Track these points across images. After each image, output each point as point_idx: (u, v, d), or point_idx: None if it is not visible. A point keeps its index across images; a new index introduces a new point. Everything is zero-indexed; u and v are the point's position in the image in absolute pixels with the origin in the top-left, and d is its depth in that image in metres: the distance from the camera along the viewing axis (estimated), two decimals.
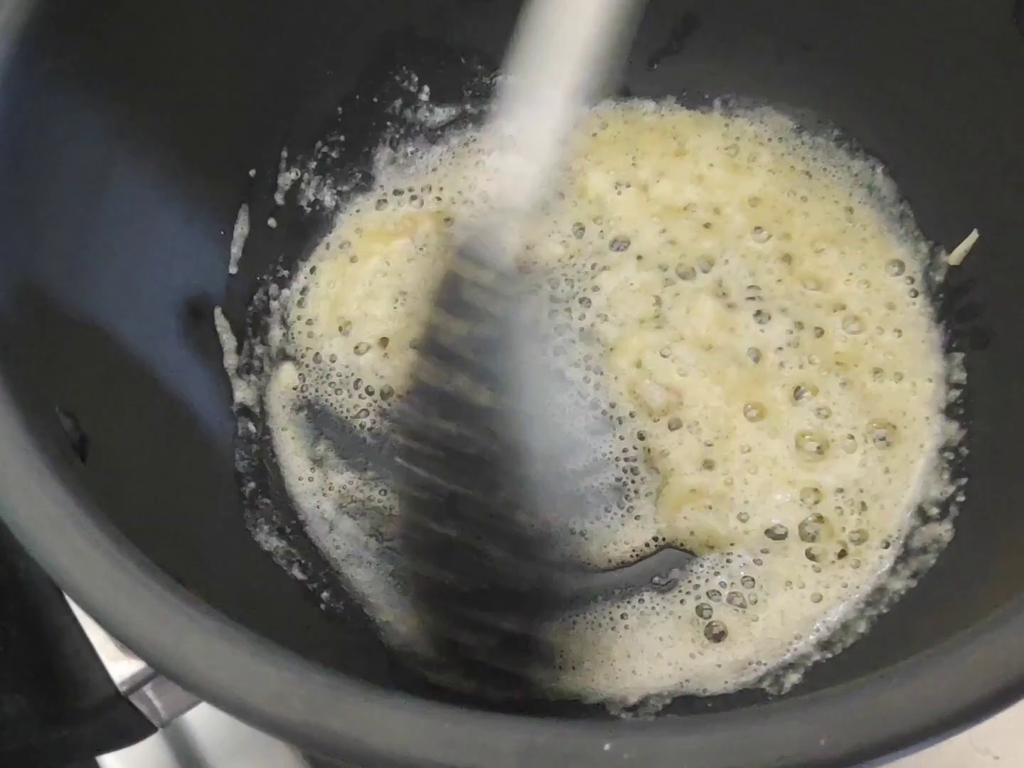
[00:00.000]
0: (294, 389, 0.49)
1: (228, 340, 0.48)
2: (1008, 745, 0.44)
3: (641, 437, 0.46)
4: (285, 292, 0.50)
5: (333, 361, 0.49)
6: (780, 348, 0.47)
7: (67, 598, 0.32)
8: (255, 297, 0.49)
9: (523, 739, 0.25)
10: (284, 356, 0.49)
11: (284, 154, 0.50)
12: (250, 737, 0.43)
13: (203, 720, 0.44)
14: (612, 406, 0.46)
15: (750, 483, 0.45)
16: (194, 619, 0.27)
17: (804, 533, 0.44)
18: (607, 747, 0.25)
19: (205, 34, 0.44)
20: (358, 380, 0.49)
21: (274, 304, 0.50)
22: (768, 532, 0.44)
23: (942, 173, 0.47)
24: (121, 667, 0.31)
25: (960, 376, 0.46)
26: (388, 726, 0.26)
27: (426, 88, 0.53)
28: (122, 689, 0.31)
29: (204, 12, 0.43)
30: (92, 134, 0.39)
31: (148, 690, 0.31)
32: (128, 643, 0.27)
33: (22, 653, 0.30)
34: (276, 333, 0.50)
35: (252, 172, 0.49)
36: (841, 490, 0.44)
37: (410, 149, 0.53)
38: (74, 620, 0.31)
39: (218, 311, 0.47)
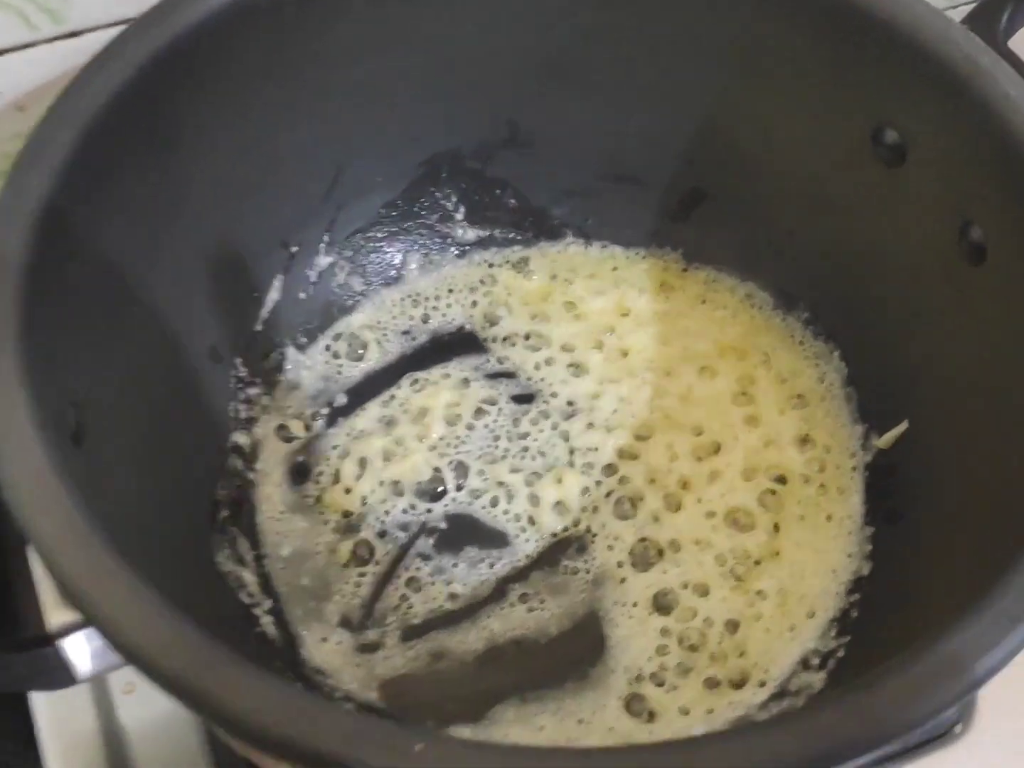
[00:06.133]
0: (287, 442, 0.55)
1: (239, 387, 0.54)
2: None
3: None
4: (300, 357, 0.57)
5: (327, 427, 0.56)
6: None
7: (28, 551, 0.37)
8: (272, 355, 0.56)
9: (355, 723, 0.31)
10: (285, 411, 0.56)
11: (325, 239, 0.57)
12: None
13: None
14: None
15: None
16: (125, 580, 0.33)
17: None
18: (417, 748, 0.30)
19: (273, 125, 0.51)
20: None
21: (287, 365, 0.57)
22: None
23: (886, 366, 0.52)
24: (57, 615, 0.36)
25: (867, 548, 0.50)
26: (247, 693, 0.31)
27: (462, 208, 0.60)
28: (52, 631, 0.36)
29: (280, 102, 0.51)
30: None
31: (75, 641, 0.37)
32: (66, 586, 0.33)
33: None
34: (283, 391, 0.56)
35: (294, 249, 0.56)
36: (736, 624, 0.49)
37: (437, 258, 0.60)
38: (27, 569, 0.37)
39: (238, 360, 0.54)
